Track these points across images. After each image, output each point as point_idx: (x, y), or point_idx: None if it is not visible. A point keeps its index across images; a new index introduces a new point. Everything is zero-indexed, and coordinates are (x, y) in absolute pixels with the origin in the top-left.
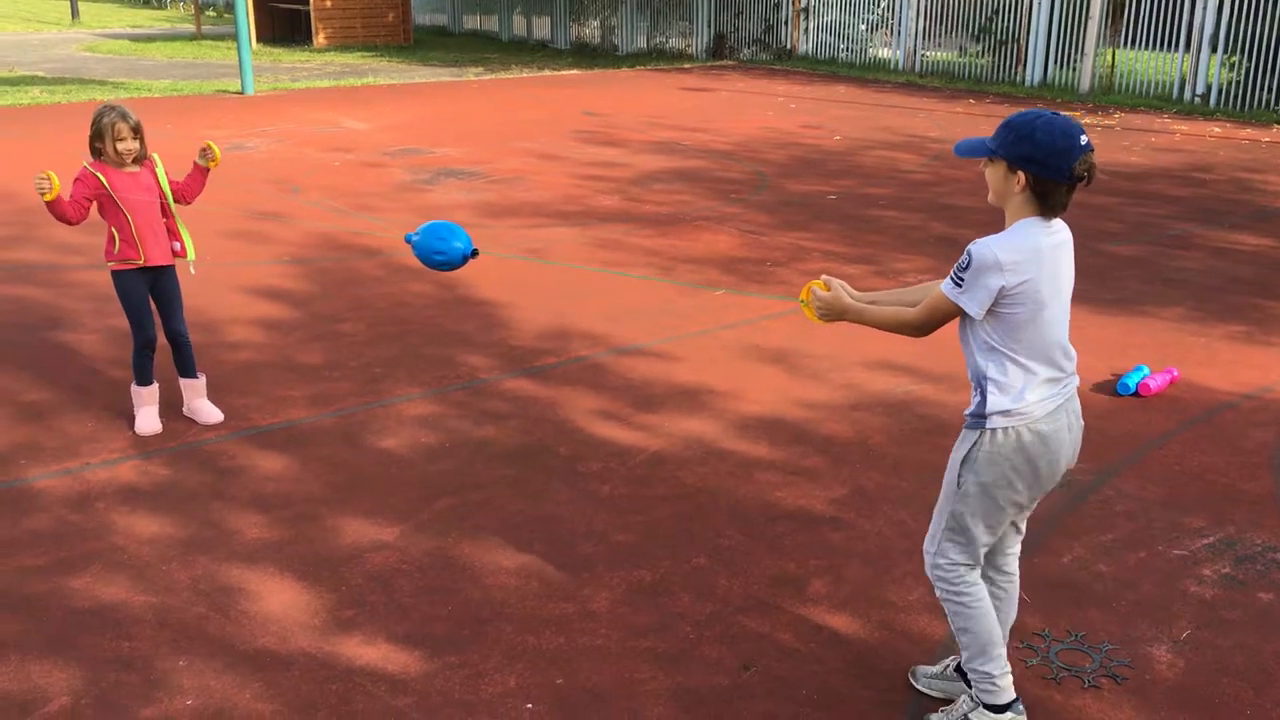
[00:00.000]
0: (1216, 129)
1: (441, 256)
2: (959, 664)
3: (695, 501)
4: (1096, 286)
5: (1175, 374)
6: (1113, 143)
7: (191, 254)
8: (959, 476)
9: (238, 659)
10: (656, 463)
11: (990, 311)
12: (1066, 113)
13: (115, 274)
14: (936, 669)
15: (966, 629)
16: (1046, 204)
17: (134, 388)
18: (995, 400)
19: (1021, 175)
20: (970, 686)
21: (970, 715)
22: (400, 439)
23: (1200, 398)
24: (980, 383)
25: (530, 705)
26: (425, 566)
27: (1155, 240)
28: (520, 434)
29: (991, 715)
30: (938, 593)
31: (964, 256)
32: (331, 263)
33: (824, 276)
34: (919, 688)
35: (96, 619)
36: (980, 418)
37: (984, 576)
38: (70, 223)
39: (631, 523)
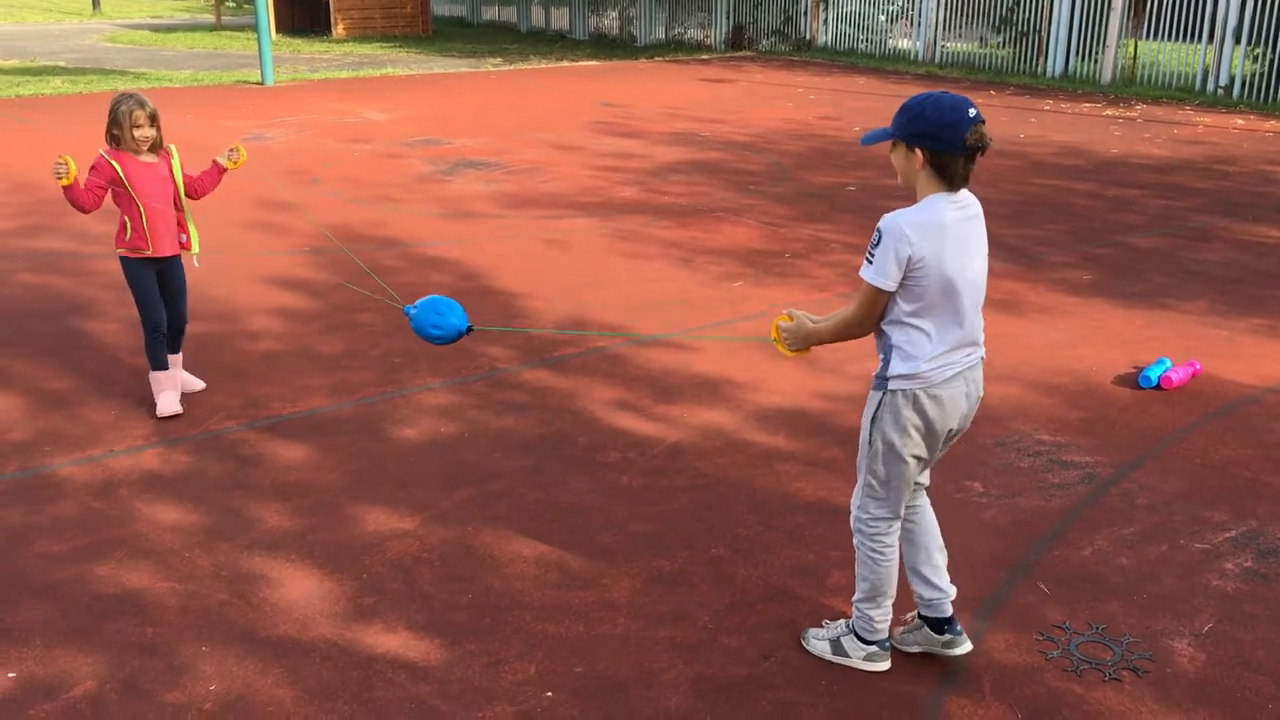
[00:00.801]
0: (1240, 121)
1: (438, 331)
2: (919, 613)
3: (714, 492)
4: (1118, 279)
5: (1198, 367)
6: (1135, 134)
7: (196, 247)
8: (869, 434)
9: (259, 645)
10: (676, 453)
11: (900, 284)
12: (1088, 104)
13: (124, 260)
14: (903, 628)
15: (867, 577)
16: (946, 176)
17: (152, 374)
18: (896, 365)
19: (919, 152)
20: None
21: (843, 639)
22: (420, 429)
23: (1223, 391)
24: (885, 349)
25: (550, 693)
26: (445, 555)
27: (1178, 232)
28: (540, 424)
29: (859, 644)
30: (855, 541)
31: (875, 234)
32: (352, 253)
33: (787, 310)
34: (902, 649)
35: (120, 605)
36: (883, 380)
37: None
38: (84, 210)
39: (651, 513)
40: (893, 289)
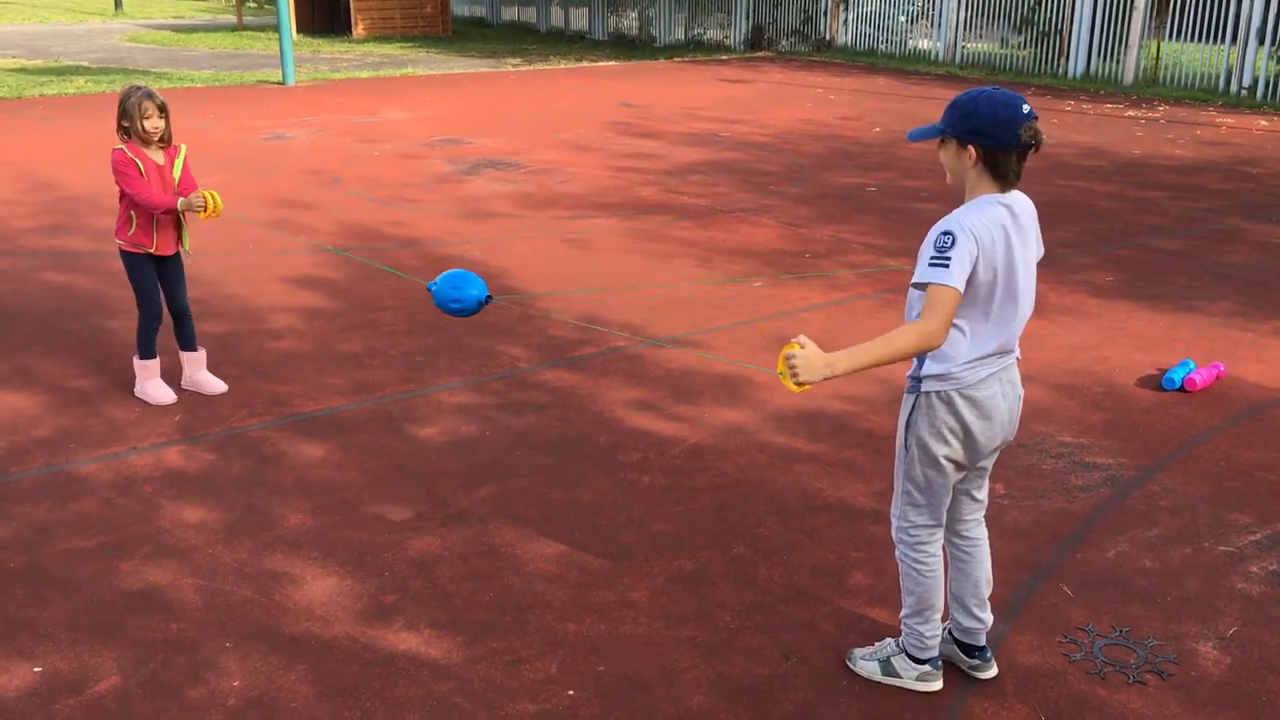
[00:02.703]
0: (1263, 122)
1: (458, 304)
2: (950, 630)
3: (735, 492)
4: (1142, 280)
5: (1221, 369)
6: (1157, 135)
7: (186, 245)
8: (905, 439)
9: (282, 642)
10: (696, 453)
11: None
12: (1110, 105)
13: (124, 253)
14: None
15: (913, 591)
16: (999, 174)
17: (139, 361)
18: (930, 366)
19: (972, 150)
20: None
21: (893, 659)
22: (440, 427)
23: (1247, 393)
24: None
25: (571, 692)
26: (466, 553)
27: (1201, 234)
28: (560, 424)
29: (911, 663)
30: (897, 554)
31: (943, 238)
32: (371, 252)
33: (796, 338)
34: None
35: (144, 601)
36: (916, 380)
37: (949, 542)
38: (155, 206)
39: (671, 512)
40: (962, 290)
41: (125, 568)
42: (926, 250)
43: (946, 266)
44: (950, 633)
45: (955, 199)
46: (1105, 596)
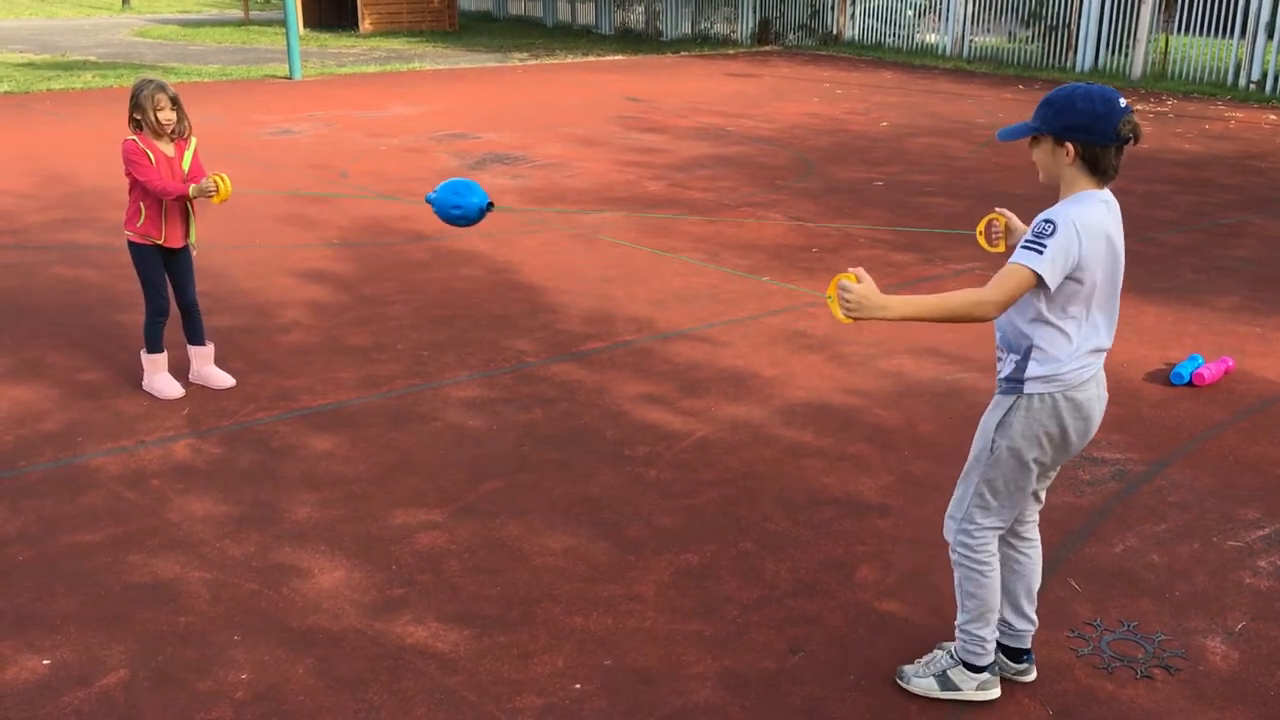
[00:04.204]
0: (1272, 117)
1: (459, 211)
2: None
3: (742, 486)
4: (1150, 274)
5: (1230, 364)
6: (1166, 130)
7: (193, 238)
8: (992, 441)
9: (290, 635)
10: (703, 447)
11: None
12: None
13: (133, 245)
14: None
15: (974, 594)
16: (1099, 170)
17: (146, 355)
18: (1035, 367)
19: (1070, 146)
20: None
21: (950, 672)
22: (448, 421)
23: (1255, 388)
24: (1021, 349)
25: (579, 685)
26: (474, 547)
27: (1210, 228)
28: (567, 418)
29: (969, 674)
30: (954, 557)
31: (1043, 225)
32: (379, 247)
33: (854, 269)
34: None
35: (152, 594)
36: (1018, 383)
37: (1005, 543)
38: (167, 192)
39: (678, 506)
40: (1052, 286)
41: (133, 561)
42: (1025, 236)
43: (1040, 253)
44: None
45: (962, 194)
46: (1113, 591)
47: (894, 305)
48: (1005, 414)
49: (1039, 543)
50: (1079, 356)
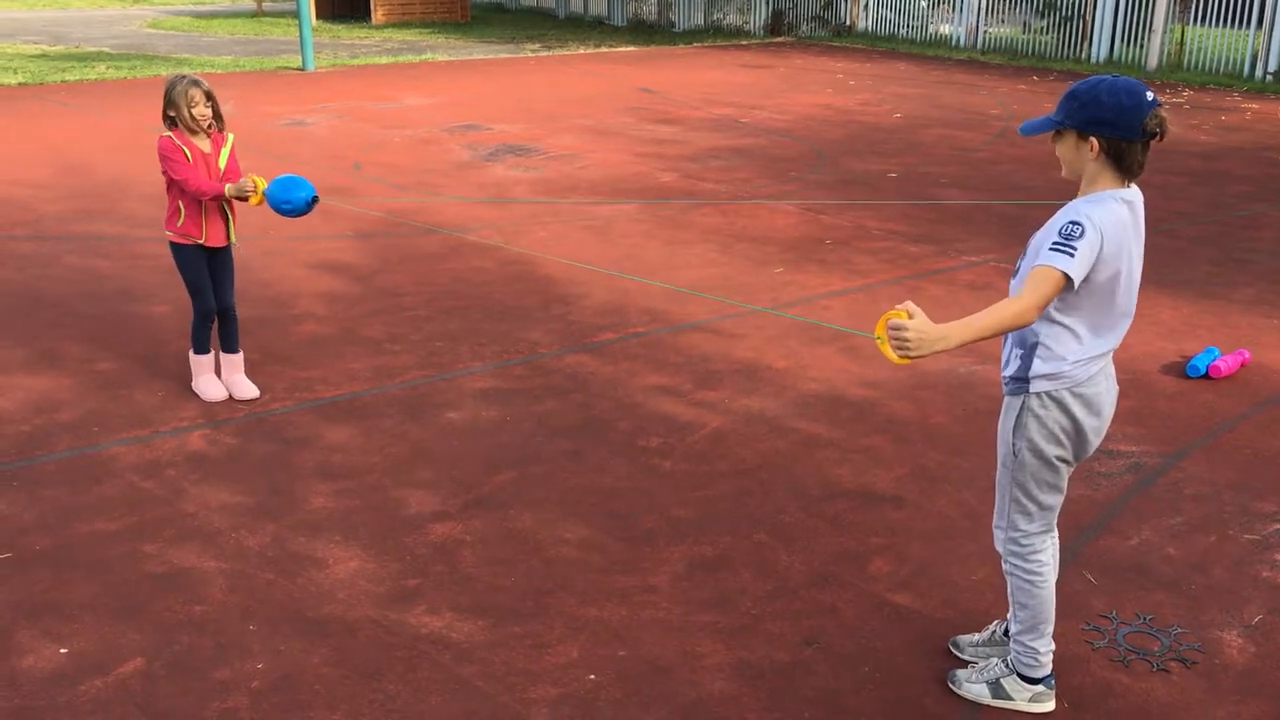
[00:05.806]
0: None
1: (289, 205)
2: (1006, 628)
3: (755, 478)
4: (1166, 267)
5: (1247, 356)
6: (1182, 121)
7: (233, 237)
8: (1012, 445)
9: (306, 624)
10: (717, 439)
11: None
12: None
13: (174, 246)
14: (983, 635)
15: (1026, 604)
16: (1123, 166)
17: (194, 356)
18: (1040, 365)
19: (1094, 141)
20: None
21: (1003, 680)
22: (462, 412)
23: (1272, 380)
24: (1027, 345)
25: (593, 676)
26: (488, 538)
27: (1226, 221)
28: (580, 409)
29: (1024, 685)
30: (1006, 568)
31: (1071, 226)
32: (393, 238)
33: (903, 304)
34: (964, 657)
35: (168, 583)
36: (1023, 382)
37: None
38: (204, 193)
39: (692, 498)
40: (1077, 288)
41: (150, 550)
42: (1049, 236)
43: (1071, 255)
44: (1007, 632)
45: (976, 186)
46: (1129, 584)
47: (954, 334)
48: (1018, 416)
49: (1056, 535)
50: (1088, 354)
